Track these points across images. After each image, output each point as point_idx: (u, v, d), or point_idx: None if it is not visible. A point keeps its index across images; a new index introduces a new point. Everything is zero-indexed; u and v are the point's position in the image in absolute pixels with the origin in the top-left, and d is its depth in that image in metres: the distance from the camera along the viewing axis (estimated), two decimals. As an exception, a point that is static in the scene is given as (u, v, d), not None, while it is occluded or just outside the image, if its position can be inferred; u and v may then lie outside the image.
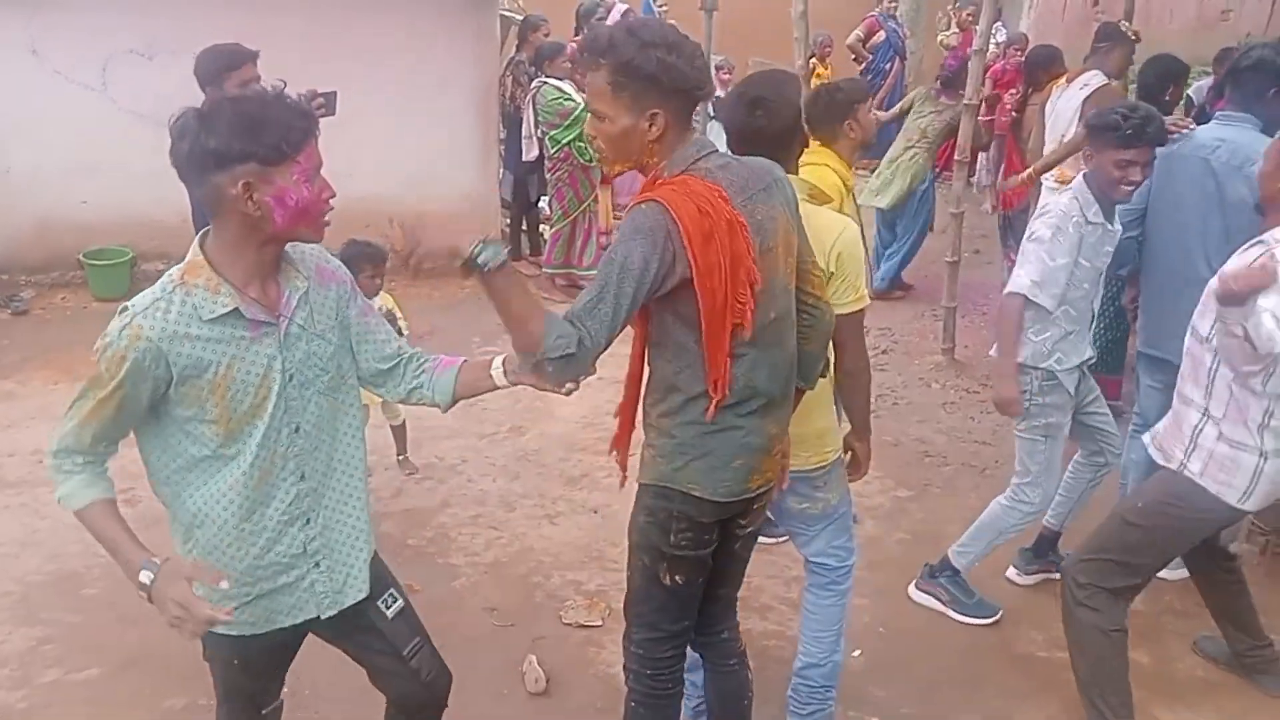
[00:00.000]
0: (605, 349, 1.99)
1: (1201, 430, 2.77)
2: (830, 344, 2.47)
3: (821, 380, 2.49)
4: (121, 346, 1.86)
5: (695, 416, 2.17)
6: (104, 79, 6.56)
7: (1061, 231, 3.25)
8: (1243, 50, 3.70)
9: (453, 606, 3.62)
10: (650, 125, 2.05)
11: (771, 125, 2.51)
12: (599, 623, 3.54)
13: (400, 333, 4.60)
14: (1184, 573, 3.53)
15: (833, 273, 2.49)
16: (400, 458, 4.63)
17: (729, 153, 2.33)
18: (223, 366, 1.92)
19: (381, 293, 4.46)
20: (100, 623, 3.44)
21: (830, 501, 2.77)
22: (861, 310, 2.60)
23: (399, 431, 4.62)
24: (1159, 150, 3.35)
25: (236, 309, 1.92)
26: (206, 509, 2.02)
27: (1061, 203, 3.33)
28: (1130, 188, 3.25)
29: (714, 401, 2.14)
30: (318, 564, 2.12)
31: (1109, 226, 3.33)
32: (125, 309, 1.91)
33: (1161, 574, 3.32)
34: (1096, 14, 12.00)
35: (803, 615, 2.93)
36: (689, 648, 2.53)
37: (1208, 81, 7.10)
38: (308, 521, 2.09)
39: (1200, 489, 2.77)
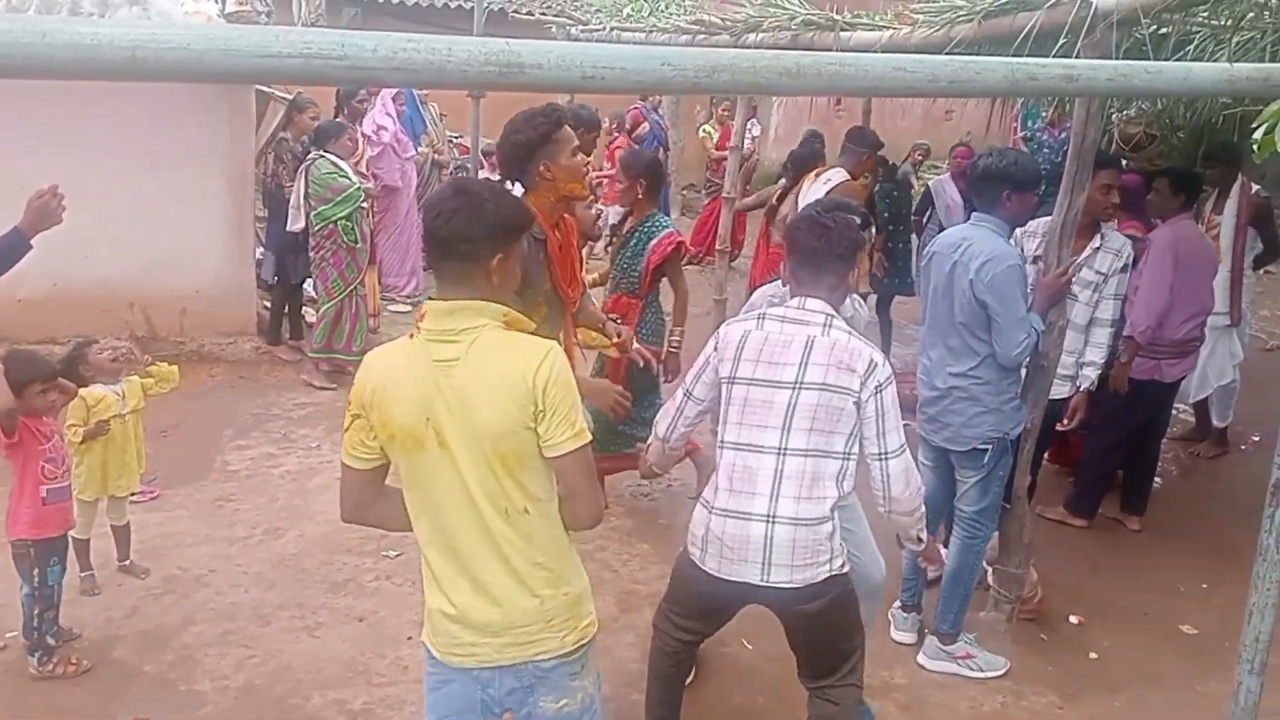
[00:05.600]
0: None
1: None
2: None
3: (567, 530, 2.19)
4: None
5: None
6: None
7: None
8: (973, 162, 4.03)
9: (196, 741, 3.26)
10: None
11: None
12: (364, 745, 3.28)
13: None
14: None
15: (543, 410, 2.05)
16: (123, 563, 4.16)
17: None
18: None
19: (128, 379, 4.03)
20: None
21: (588, 690, 2.25)
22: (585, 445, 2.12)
23: (121, 533, 4.15)
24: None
25: None
26: None
27: None
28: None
29: None
30: None
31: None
32: None
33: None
34: (837, 111, 13.05)
35: None
36: None
37: (946, 175, 7.88)
38: None
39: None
